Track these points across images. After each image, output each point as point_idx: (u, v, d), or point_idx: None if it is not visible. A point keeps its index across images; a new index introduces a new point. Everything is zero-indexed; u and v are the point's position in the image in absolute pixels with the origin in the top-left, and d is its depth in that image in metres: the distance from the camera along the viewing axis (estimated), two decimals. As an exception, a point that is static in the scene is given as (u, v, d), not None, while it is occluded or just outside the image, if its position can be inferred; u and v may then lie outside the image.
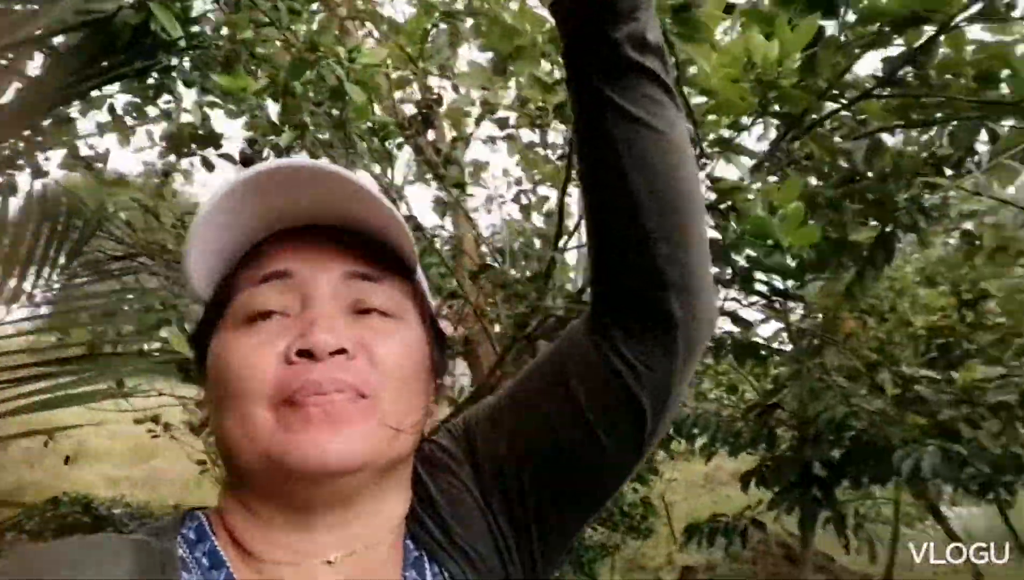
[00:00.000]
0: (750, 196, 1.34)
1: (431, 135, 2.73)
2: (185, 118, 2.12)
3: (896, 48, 1.54)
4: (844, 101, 1.70)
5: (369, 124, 1.93)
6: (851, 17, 1.46)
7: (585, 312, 0.62)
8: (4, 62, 1.22)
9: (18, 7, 1.31)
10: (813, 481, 2.67)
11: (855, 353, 2.33)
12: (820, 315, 2.79)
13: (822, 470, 2.65)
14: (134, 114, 2.14)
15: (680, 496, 6.22)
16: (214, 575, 0.54)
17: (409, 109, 2.47)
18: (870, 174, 1.87)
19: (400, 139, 2.21)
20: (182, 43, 1.40)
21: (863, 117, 1.87)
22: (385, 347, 0.55)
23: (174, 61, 1.56)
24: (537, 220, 3.32)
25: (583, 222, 1.97)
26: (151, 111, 2.13)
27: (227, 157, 2.27)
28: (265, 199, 0.55)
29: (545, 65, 1.74)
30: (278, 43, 1.72)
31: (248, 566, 0.55)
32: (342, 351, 0.53)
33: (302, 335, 0.53)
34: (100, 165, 2.30)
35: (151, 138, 2.40)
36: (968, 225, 2.77)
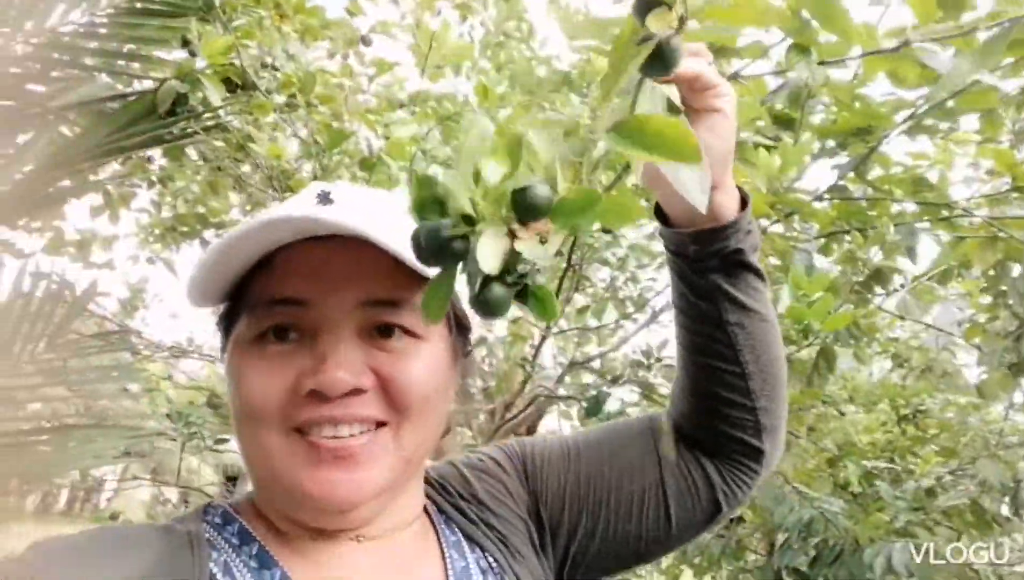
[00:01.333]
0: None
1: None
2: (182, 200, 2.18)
3: (840, 159, 1.79)
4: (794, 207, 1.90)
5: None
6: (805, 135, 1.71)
7: (659, 418, 0.72)
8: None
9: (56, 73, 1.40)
10: (785, 591, 2.64)
11: (817, 446, 2.42)
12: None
13: (793, 578, 2.65)
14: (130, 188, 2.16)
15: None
16: (245, 550, 0.55)
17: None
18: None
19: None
20: (221, 112, 1.51)
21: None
22: (406, 374, 0.55)
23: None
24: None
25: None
26: (143, 196, 2.19)
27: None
28: (288, 224, 0.54)
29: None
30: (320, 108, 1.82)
31: (279, 542, 0.56)
32: (357, 391, 0.53)
33: (314, 372, 0.52)
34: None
35: (139, 225, 2.44)
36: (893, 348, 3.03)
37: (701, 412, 0.69)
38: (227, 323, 0.58)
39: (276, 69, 2.16)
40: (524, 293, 0.34)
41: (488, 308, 0.33)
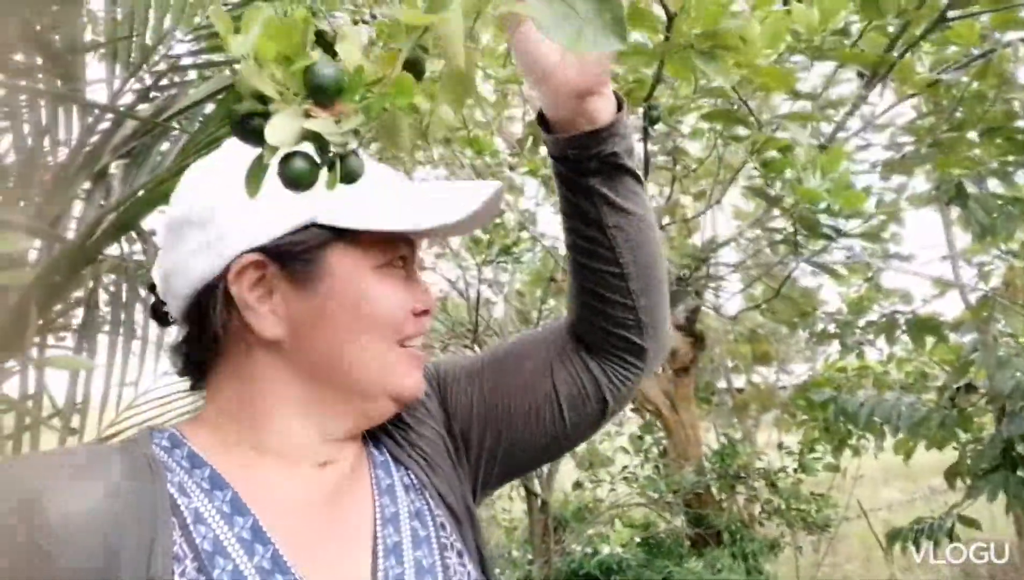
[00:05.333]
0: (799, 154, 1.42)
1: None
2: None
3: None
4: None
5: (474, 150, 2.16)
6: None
7: (562, 324, 0.77)
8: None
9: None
10: (1017, 461, 2.39)
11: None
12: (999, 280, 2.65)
13: (1024, 446, 2.34)
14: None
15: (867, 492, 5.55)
16: (197, 473, 0.59)
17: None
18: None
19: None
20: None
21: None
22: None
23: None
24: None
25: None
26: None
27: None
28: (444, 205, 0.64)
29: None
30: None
31: (229, 465, 0.60)
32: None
33: (423, 297, 0.66)
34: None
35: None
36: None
37: (586, 312, 0.74)
38: (329, 237, 0.62)
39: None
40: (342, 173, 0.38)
41: (287, 181, 0.36)
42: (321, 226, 0.61)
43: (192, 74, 1.65)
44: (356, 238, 0.62)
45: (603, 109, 0.66)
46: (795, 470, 4.46)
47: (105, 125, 1.43)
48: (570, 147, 0.67)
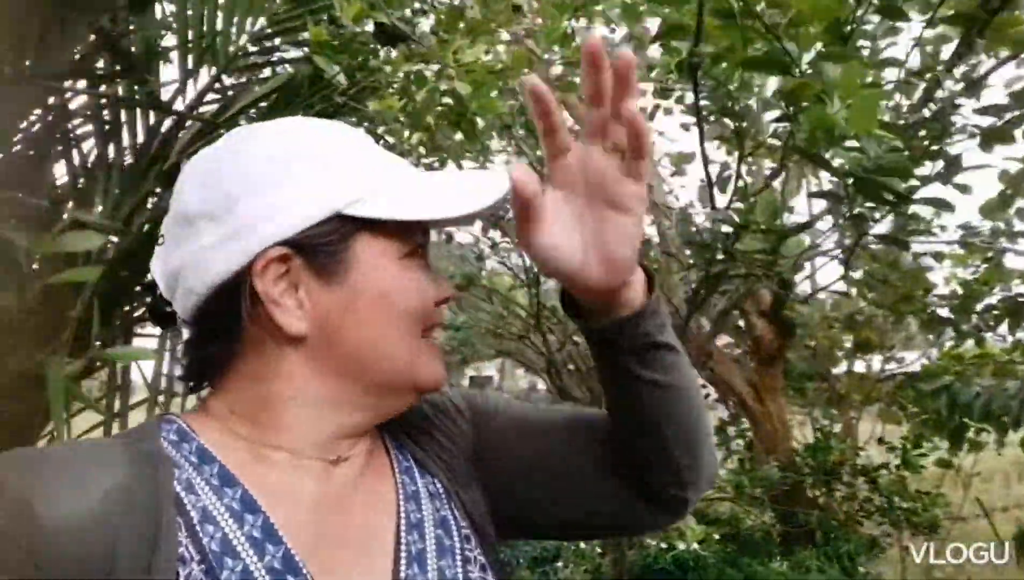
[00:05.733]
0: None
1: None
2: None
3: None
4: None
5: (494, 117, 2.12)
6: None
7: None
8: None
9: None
10: None
11: None
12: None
13: None
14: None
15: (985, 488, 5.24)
16: (206, 469, 0.58)
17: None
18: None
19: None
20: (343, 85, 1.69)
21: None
22: None
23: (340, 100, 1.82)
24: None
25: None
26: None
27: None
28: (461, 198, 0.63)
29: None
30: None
31: (239, 461, 0.59)
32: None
33: (444, 287, 0.65)
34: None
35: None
36: None
37: (630, 469, 0.71)
38: (354, 228, 0.61)
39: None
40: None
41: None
42: (344, 217, 0.59)
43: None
44: (381, 228, 0.60)
45: (633, 296, 0.63)
46: (897, 467, 4.18)
47: (174, 125, 1.50)
48: (599, 332, 0.65)
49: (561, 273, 0.60)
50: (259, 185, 0.58)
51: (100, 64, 1.46)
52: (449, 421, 0.72)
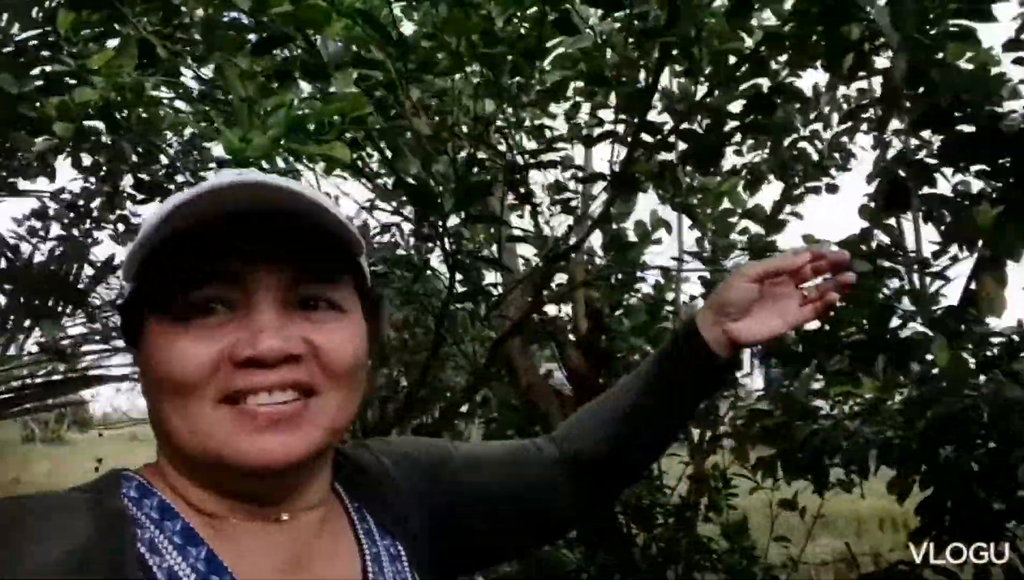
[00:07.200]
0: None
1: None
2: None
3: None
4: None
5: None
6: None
7: (552, 450, 0.86)
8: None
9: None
10: None
11: None
12: None
13: None
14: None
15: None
16: (168, 526, 0.58)
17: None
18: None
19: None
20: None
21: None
22: (332, 344, 0.60)
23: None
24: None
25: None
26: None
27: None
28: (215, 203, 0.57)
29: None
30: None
31: (200, 519, 0.59)
32: (291, 358, 0.57)
33: (250, 343, 0.56)
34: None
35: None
36: None
37: (607, 464, 0.86)
38: (137, 300, 0.60)
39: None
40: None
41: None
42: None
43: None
44: (146, 296, 0.59)
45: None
46: (706, 507, 4.14)
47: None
48: (724, 366, 0.84)
49: (753, 338, 0.82)
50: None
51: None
52: (408, 473, 0.74)
